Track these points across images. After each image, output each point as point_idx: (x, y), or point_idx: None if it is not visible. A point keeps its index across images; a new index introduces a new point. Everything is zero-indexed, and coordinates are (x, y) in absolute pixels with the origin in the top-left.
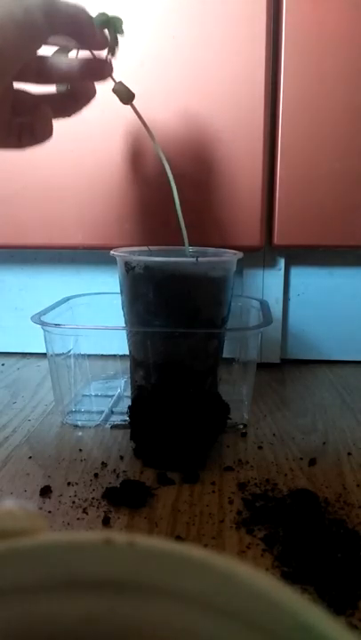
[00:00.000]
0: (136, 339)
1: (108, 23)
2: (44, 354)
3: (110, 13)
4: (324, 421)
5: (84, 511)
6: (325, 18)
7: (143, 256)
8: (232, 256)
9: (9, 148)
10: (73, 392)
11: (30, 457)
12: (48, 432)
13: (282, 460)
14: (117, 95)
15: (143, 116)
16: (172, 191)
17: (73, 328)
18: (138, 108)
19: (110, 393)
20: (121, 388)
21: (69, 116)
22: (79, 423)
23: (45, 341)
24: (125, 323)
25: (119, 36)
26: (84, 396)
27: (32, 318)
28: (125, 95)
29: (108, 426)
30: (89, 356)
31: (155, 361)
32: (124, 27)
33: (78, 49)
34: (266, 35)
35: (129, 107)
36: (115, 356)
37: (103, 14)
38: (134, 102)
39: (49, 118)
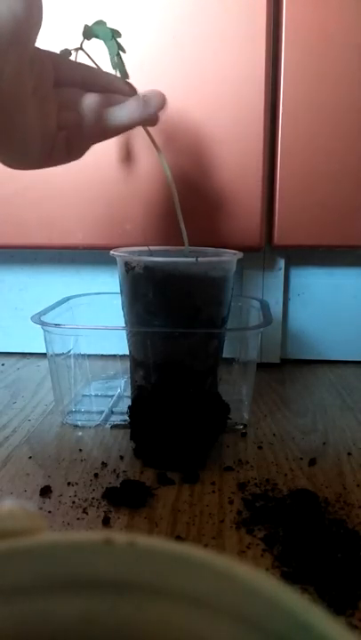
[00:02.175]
0: (136, 339)
1: (92, 33)
2: (44, 354)
3: (91, 23)
4: (324, 421)
5: (84, 511)
6: (325, 18)
7: (143, 256)
8: (232, 256)
9: (39, 164)
10: (73, 392)
11: (30, 457)
12: (48, 432)
13: (282, 460)
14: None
15: None
16: (172, 191)
17: (73, 328)
18: None
19: (110, 393)
20: (121, 387)
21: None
22: (79, 423)
23: (45, 341)
24: (125, 323)
25: (108, 43)
26: (84, 395)
27: (32, 318)
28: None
29: (108, 426)
30: (89, 355)
31: (155, 361)
32: (109, 28)
33: (77, 51)
34: (266, 35)
35: None
36: (115, 355)
37: (85, 27)
38: None
39: (94, 135)
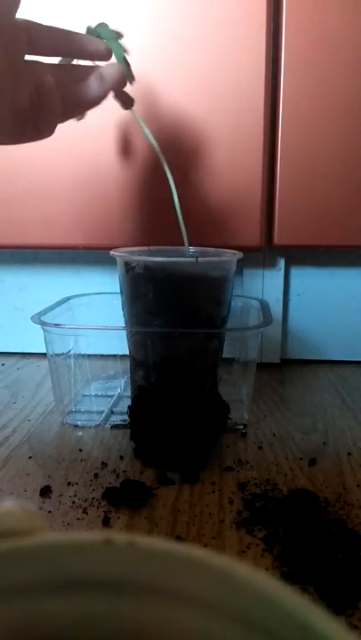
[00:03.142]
0: (136, 339)
1: (96, 33)
2: (44, 354)
3: (95, 24)
4: (324, 421)
5: (84, 511)
6: (325, 18)
7: (143, 256)
8: (232, 256)
9: (12, 140)
10: (73, 392)
11: (30, 457)
12: (48, 432)
13: (282, 460)
14: (118, 101)
15: (144, 115)
16: (171, 191)
17: (73, 328)
18: (138, 110)
19: (110, 393)
20: (121, 387)
21: (73, 116)
22: (79, 423)
23: (45, 341)
24: (125, 323)
25: (111, 43)
26: (84, 395)
27: (32, 318)
28: (126, 101)
29: (108, 426)
30: (89, 355)
31: (155, 361)
32: (112, 30)
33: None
34: (266, 35)
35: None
36: (115, 355)
37: (88, 27)
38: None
39: (56, 114)
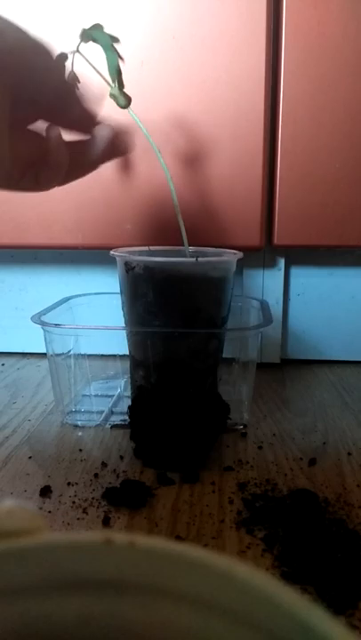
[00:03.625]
0: (136, 339)
1: (91, 37)
2: (44, 354)
3: (89, 26)
4: (324, 421)
5: (84, 511)
6: (325, 18)
7: (143, 256)
8: (232, 256)
9: (6, 187)
10: (73, 392)
11: (30, 457)
12: (48, 432)
13: (282, 460)
14: (114, 100)
15: (144, 115)
16: (171, 191)
17: (73, 328)
18: (138, 110)
19: (110, 393)
20: (121, 387)
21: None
22: (79, 423)
23: (45, 341)
24: (125, 323)
25: (105, 48)
26: (84, 395)
27: (32, 318)
28: (122, 100)
29: (108, 426)
30: (89, 355)
31: (155, 361)
32: (108, 34)
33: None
34: (266, 35)
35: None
36: (115, 356)
37: (83, 30)
38: (131, 104)
39: (60, 171)
